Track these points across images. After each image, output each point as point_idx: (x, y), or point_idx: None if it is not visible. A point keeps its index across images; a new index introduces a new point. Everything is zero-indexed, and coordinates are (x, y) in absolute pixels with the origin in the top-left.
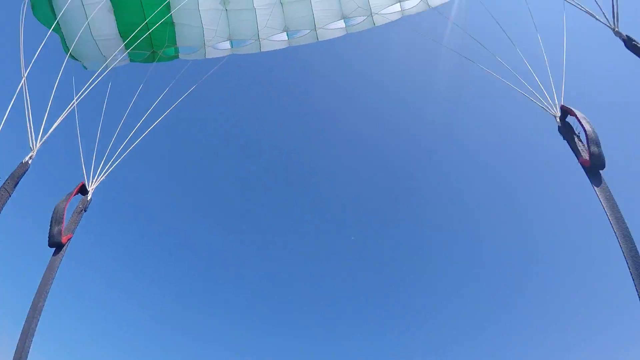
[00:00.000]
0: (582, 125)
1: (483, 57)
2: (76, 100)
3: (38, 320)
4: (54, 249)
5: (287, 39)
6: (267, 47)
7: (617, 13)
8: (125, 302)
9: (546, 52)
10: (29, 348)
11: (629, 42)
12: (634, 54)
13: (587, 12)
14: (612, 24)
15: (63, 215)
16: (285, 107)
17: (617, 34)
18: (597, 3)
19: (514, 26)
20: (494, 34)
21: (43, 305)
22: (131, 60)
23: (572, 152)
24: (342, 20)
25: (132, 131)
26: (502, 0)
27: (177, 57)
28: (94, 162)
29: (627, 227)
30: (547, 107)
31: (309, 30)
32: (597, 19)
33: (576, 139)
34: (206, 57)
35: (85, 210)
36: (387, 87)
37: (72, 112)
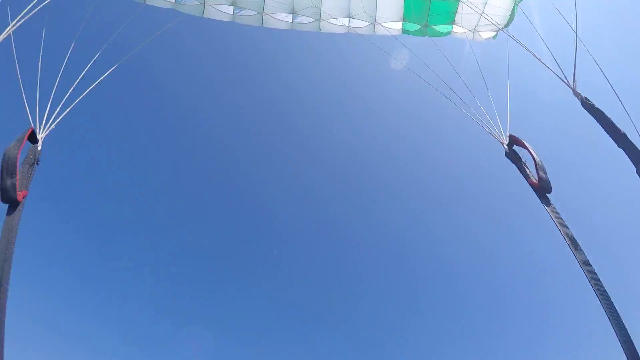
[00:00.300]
0: (531, 154)
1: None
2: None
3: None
4: (7, 206)
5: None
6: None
7: (576, 74)
8: None
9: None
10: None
11: (585, 103)
12: (588, 112)
13: (551, 70)
14: (571, 83)
15: (16, 164)
16: None
17: (576, 93)
18: (557, 64)
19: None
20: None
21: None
22: None
23: (521, 174)
24: (291, 15)
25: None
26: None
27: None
28: (38, 103)
29: (573, 236)
30: (497, 135)
31: (255, 13)
32: (558, 76)
33: (523, 164)
34: (204, 15)
35: (37, 163)
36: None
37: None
